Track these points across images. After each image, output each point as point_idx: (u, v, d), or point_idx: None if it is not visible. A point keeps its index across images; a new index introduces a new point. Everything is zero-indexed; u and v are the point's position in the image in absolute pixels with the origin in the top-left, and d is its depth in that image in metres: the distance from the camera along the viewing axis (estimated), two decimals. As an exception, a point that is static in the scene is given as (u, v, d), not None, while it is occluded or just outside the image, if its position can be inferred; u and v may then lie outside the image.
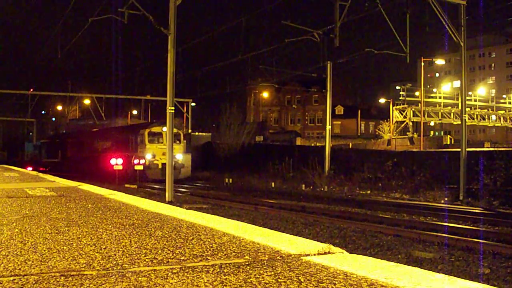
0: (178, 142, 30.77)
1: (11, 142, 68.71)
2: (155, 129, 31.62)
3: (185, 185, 27.99)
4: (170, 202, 13.60)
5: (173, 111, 16.15)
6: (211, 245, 3.39)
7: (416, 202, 18.16)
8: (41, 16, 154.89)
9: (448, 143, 52.45)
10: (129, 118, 66.62)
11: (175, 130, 28.68)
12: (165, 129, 26.95)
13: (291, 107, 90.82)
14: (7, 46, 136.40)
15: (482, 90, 73.95)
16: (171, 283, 2.40)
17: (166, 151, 26.92)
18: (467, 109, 41.13)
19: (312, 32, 24.91)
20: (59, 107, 71.04)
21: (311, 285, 2.33)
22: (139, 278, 2.49)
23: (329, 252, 3.10)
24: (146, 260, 2.95)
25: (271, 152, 34.73)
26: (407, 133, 51.71)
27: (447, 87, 79.84)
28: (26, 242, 3.58)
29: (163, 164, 27.29)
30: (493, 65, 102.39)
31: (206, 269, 2.67)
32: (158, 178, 28.13)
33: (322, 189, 24.14)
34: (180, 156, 30.91)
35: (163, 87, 17.83)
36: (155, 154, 29.98)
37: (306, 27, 25.40)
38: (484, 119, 59.33)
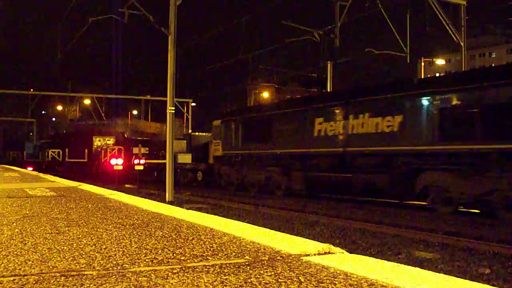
0: None
1: (12, 142, 68.66)
2: None
3: None
4: (170, 202, 13.60)
5: (174, 111, 16.15)
6: (211, 245, 3.39)
7: (416, 202, 18.13)
8: (41, 16, 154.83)
9: (448, 143, 52.24)
10: (129, 118, 66.64)
11: None
12: None
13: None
14: (7, 46, 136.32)
15: (482, 90, 73.91)
16: (172, 283, 2.39)
17: None
18: (467, 109, 41.00)
19: (312, 32, 24.91)
20: (59, 107, 71.09)
21: (312, 285, 2.33)
22: (139, 278, 2.48)
23: (329, 252, 3.10)
24: (146, 260, 2.95)
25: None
26: (407, 133, 51.61)
27: (447, 87, 79.68)
28: (26, 242, 3.58)
29: None
30: (493, 65, 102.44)
31: (206, 269, 2.67)
32: None
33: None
34: None
35: (163, 87, 17.82)
36: None
37: (306, 27, 25.42)
38: (484, 119, 59.25)
